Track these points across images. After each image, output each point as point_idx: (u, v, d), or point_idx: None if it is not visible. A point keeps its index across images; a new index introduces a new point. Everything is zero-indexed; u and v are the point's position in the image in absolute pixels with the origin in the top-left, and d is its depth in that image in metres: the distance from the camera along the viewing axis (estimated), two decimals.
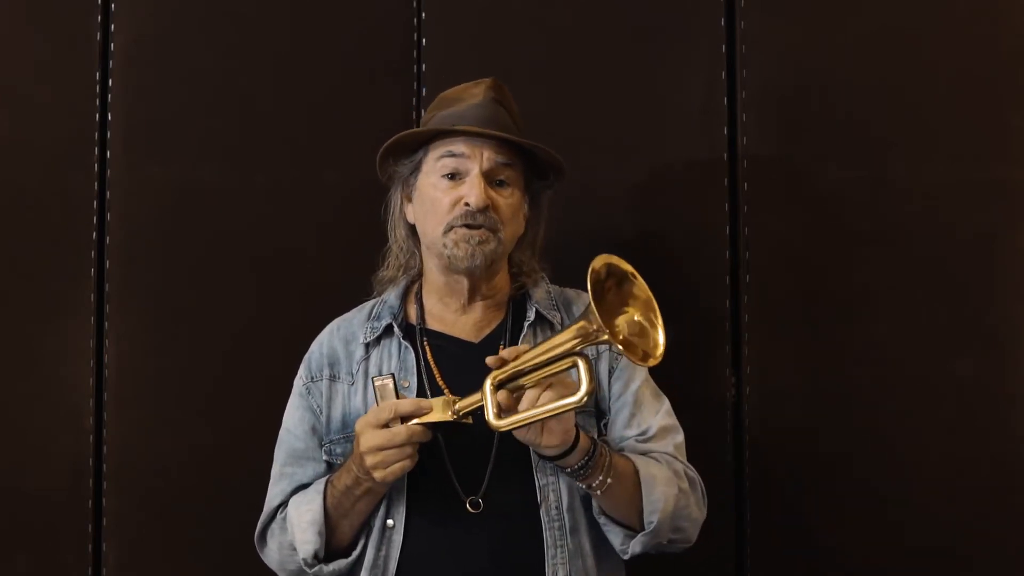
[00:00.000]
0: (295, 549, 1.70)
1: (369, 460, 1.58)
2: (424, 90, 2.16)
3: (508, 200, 1.74)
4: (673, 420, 1.78)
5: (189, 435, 2.13)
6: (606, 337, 1.50)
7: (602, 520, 1.69)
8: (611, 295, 1.56)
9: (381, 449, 1.57)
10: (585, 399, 1.52)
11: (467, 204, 1.70)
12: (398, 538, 1.68)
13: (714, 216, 2.16)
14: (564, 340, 1.55)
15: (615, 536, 1.69)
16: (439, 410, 1.59)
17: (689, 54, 2.18)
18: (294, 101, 2.18)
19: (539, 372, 1.56)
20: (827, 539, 2.12)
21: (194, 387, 2.14)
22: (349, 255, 2.08)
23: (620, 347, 1.51)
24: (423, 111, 2.13)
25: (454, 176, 1.73)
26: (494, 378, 1.56)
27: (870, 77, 2.17)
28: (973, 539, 2.12)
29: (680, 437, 1.77)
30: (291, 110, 2.18)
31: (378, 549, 1.69)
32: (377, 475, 1.58)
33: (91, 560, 2.11)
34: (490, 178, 1.72)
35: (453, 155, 1.73)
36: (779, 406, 2.13)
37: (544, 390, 1.54)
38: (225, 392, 2.13)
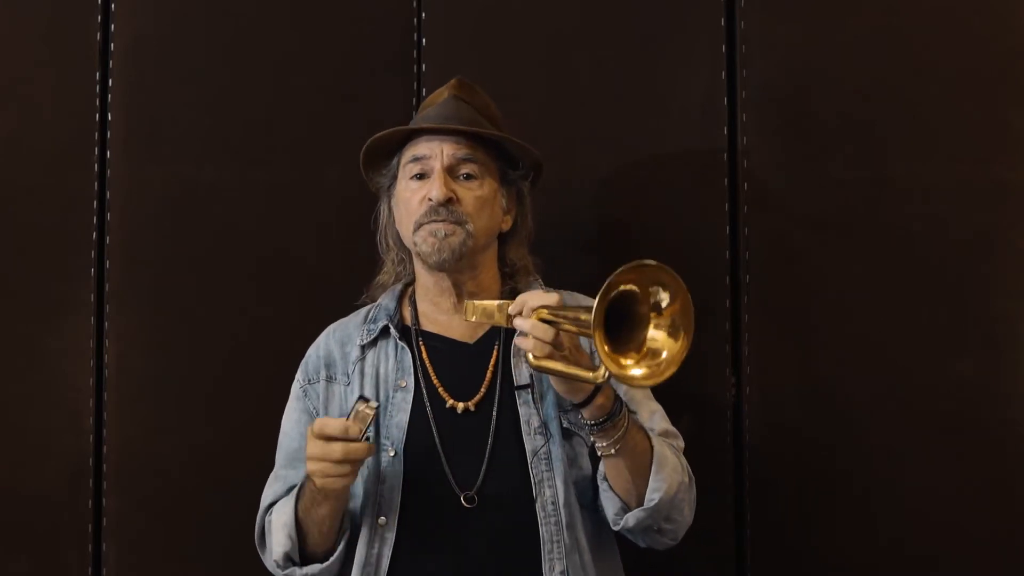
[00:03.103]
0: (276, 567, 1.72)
1: (309, 466, 1.59)
2: (424, 90, 2.16)
3: (475, 193, 1.76)
4: (671, 425, 1.79)
5: (189, 435, 2.13)
6: (589, 332, 1.48)
7: (603, 486, 1.70)
8: (645, 307, 1.54)
9: (319, 460, 1.58)
10: (601, 379, 1.53)
11: (430, 199, 1.73)
12: (390, 535, 1.69)
13: (714, 216, 2.16)
14: (577, 316, 1.55)
15: (611, 505, 1.69)
16: (494, 313, 1.61)
17: (689, 54, 2.18)
18: (294, 100, 2.18)
19: (572, 327, 1.57)
20: (827, 539, 2.12)
21: (194, 387, 2.14)
22: (349, 254, 2.08)
23: (603, 349, 1.48)
24: None
25: (422, 176, 1.77)
26: (538, 313, 1.57)
27: (870, 77, 2.17)
28: (973, 539, 2.12)
29: (681, 442, 1.79)
30: (291, 109, 2.18)
31: (370, 546, 1.69)
32: (317, 482, 1.60)
33: (91, 560, 2.11)
34: (454, 173, 1.76)
35: (417, 159, 1.77)
36: (779, 406, 2.13)
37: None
38: (225, 392, 2.13)
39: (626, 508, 1.68)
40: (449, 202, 1.73)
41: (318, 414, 1.77)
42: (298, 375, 1.83)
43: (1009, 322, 2.15)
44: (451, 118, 1.77)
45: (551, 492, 1.69)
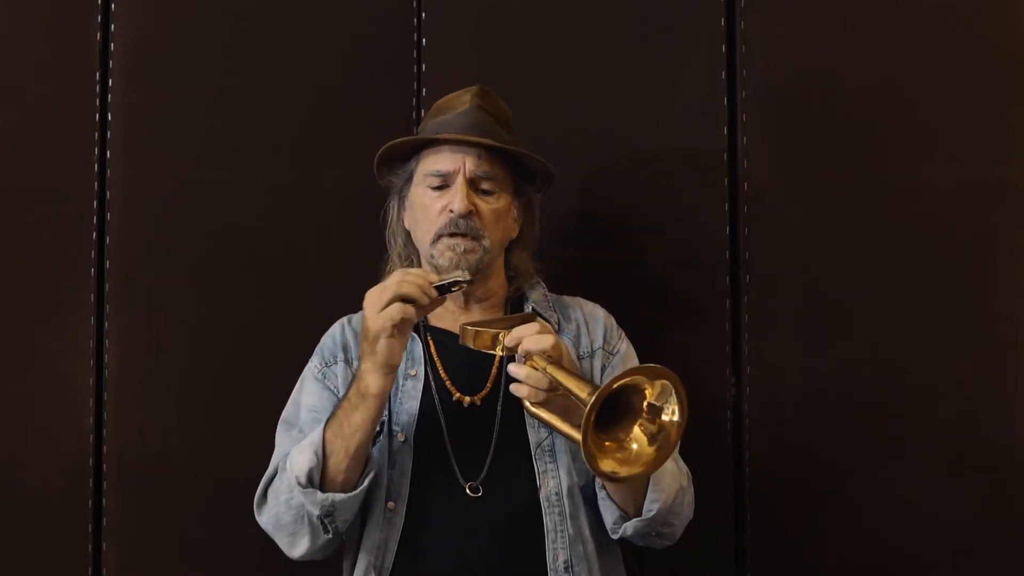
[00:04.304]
0: (292, 491, 1.67)
1: (376, 325, 1.61)
2: (424, 90, 2.16)
3: (492, 206, 1.79)
4: None
5: (189, 435, 2.12)
6: (586, 410, 1.45)
7: (601, 495, 1.71)
8: (640, 401, 1.53)
9: (377, 294, 1.63)
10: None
11: (451, 211, 1.75)
12: (398, 521, 1.71)
13: (714, 216, 2.16)
14: (574, 385, 1.54)
15: (609, 514, 1.71)
16: (491, 345, 1.64)
17: (689, 54, 2.18)
18: (294, 101, 2.18)
19: (562, 388, 1.57)
20: (827, 539, 2.12)
21: (194, 387, 2.14)
22: (349, 255, 2.09)
23: (589, 430, 1.46)
24: (423, 111, 2.13)
25: (441, 187, 1.79)
26: (533, 361, 1.57)
27: (870, 77, 2.17)
28: (973, 539, 2.12)
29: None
30: (291, 110, 2.18)
31: (379, 531, 1.71)
32: (369, 324, 1.61)
33: (91, 560, 2.11)
34: (474, 186, 1.78)
35: (440, 173, 1.78)
36: (779, 406, 2.14)
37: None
38: (225, 392, 2.13)
39: (624, 517, 1.70)
40: (469, 215, 1.75)
41: (339, 392, 1.78)
42: (314, 361, 1.84)
43: (1009, 322, 2.15)
44: (473, 128, 1.78)
45: (555, 483, 1.71)
